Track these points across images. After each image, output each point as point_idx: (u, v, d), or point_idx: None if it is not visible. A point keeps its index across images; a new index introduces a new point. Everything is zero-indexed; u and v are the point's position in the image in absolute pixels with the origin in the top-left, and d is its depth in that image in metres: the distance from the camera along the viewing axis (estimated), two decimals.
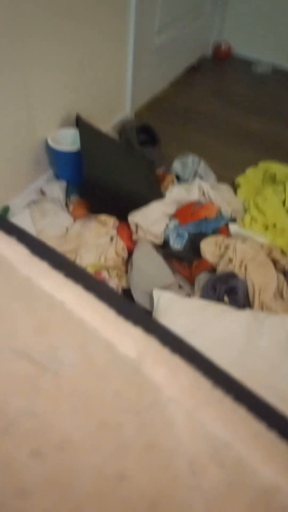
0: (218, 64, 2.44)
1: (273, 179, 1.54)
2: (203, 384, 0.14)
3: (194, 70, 2.32)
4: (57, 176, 1.45)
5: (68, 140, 1.39)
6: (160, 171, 1.54)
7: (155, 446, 0.13)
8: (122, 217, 1.31)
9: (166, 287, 1.15)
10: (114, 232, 1.30)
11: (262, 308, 1.12)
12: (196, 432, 0.13)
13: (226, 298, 1.13)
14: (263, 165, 1.62)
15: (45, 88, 1.25)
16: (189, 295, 1.17)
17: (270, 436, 0.13)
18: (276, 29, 2.31)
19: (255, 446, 0.13)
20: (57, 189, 1.39)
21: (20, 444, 0.12)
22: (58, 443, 0.12)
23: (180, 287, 1.19)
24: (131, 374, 0.13)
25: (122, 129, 1.67)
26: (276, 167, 1.57)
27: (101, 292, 0.15)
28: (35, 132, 1.30)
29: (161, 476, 0.12)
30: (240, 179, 1.57)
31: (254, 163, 1.68)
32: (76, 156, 1.30)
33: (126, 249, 1.26)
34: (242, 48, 2.45)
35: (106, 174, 1.27)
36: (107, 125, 1.66)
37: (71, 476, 0.12)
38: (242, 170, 1.63)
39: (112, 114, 1.70)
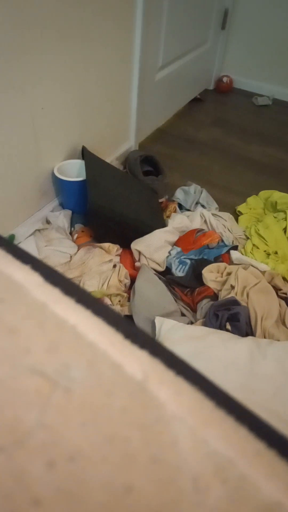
0: (220, 96, 2.51)
1: (274, 207, 1.56)
2: (206, 404, 0.14)
3: (196, 102, 2.39)
4: (63, 206, 1.49)
5: (74, 171, 1.43)
6: (163, 200, 1.57)
7: (160, 460, 0.13)
8: (125, 244, 1.34)
9: (168, 314, 1.16)
10: (117, 259, 1.32)
11: (264, 335, 1.11)
12: (199, 449, 0.13)
13: (228, 326, 1.13)
14: (264, 193, 1.65)
15: (52, 121, 1.30)
16: (191, 322, 1.17)
17: (270, 454, 0.14)
18: (275, 63, 2.39)
19: (257, 463, 0.13)
20: (62, 218, 1.42)
21: (34, 455, 0.12)
22: (69, 454, 0.13)
23: (182, 314, 1.20)
24: (137, 392, 0.14)
25: (126, 160, 1.72)
26: (277, 195, 1.59)
27: (109, 317, 0.16)
28: (42, 163, 1.35)
29: (166, 489, 0.13)
30: (241, 207, 1.59)
31: (256, 188, 1.71)
32: (81, 186, 1.34)
33: (128, 276, 1.27)
34: (244, 81, 2.54)
35: (110, 203, 1.30)
36: (111, 156, 1.71)
37: (81, 487, 0.12)
38: (244, 196, 1.66)
39: (116, 146, 1.75)
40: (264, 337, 1.11)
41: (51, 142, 1.35)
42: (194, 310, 1.21)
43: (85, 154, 1.39)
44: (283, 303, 1.21)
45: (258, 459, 0.14)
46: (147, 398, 0.14)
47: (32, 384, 0.13)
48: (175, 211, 1.52)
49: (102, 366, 0.15)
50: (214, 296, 1.21)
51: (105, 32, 1.36)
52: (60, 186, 1.42)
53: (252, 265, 1.28)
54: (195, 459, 0.13)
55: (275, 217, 1.49)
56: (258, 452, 0.14)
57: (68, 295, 0.17)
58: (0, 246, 0.19)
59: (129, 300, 1.22)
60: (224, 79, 2.50)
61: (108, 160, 1.56)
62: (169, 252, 1.32)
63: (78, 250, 1.34)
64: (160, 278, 1.25)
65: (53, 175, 1.40)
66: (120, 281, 1.24)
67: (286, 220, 1.47)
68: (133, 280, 1.26)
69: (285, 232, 1.43)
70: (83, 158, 1.40)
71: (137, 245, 1.31)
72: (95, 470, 0.12)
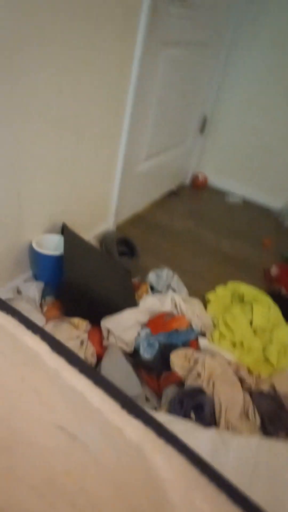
0: (195, 192, 2.71)
1: (241, 298, 1.62)
2: (192, 471, 0.16)
3: (173, 194, 2.57)
4: (36, 277, 1.50)
5: (51, 245, 1.46)
6: (135, 280, 1.61)
7: None
8: (94, 321, 1.33)
9: (131, 397, 1.13)
10: (85, 336, 1.30)
11: (227, 427, 1.09)
12: (188, 508, 0.15)
13: (192, 415, 1.11)
14: (232, 285, 1.72)
15: (37, 195, 1.36)
16: (155, 408, 1.14)
17: None
18: (247, 167, 2.64)
19: None
20: (33, 289, 1.42)
21: (62, 497, 0.14)
22: (89, 498, 0.15)
23: (146, 399, 1.17)
24: (138, 456, 0.16)
25: (104, 239, 1.78)
26: (244, 288, 1.67)
27: (108, 388, 0.18)
28: (21, 235, 1.38)
29: None
30: (210, 296, 1.65)
31: (224, 278, 1.79)
32: (57, 260, 1.36)
33: (95, 354, 1.25)
34: (217, 180, 2.77)
35: (84, 279, 1.32)
36: (90, 234, 1.77)
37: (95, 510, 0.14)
38: (212, 284, 1.73)
39: (95, 225, 1.82)
40: (228, 429, 1.09)
41: (33, 216, 1.39)
42: (159, 396, 1.18)
43: (65, 230, 1.43)
44: (247, 395, 1.21)
45: None
46: (146, 460, 0.16)
47: (59, 438, 0.15)
48: (147, 292, 1.56)
49: (109, 428, 0.16)
50: (180, 383, 1.20)
51: (96, 123, 1.49)
52: (36, 259, 1.43)
53: (219, 354, 1.29)
54: None
55: (242, 309, 1.54)
56: None
57: (72, 364, 0.18)
58: (13, 316, 0.21)
59: None
60: (200, 176, 2.72)
61: (86, 238, 1.61)
62: (138, 333, 1.33)
63: (46, 323, 1.32)
64: (127, 359, 1.24)
65: (30, 247, 1.43)
66: (86, 359, 1.22)
67: (252, 312, 1.53)
68: (99, 358, 1.24)
69: (251, 324, 1.48)
70: (62, 234, 1.44)
71: (107, 322, 1.31)
72: (110, 508, 0.14)
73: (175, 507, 0.15)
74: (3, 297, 1.34)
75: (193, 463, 0.17)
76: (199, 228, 2.26)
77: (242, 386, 1.23)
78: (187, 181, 2.77)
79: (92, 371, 0.19)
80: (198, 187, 2.73)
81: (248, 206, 2.64)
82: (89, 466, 0.15)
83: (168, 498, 0.15)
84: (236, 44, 2.34)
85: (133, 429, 0.17)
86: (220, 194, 2.71)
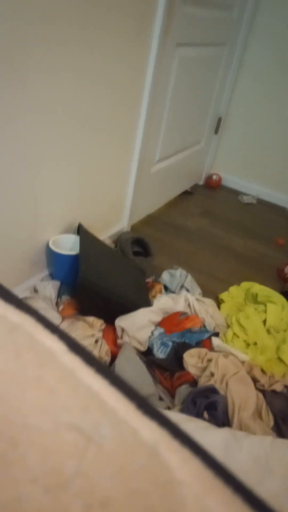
0: (209, 191, 2.71)
1: (254, 298, 1.62)
2: (208, 473, 0.17)
3: (187, 194, 2.57)
4: (52, 276, 1.52)
5: (67, 245, 1.49)
6: (149, 280, 1.63)
7: None
8: (109, 320, 1.35)
9: (146, 397, 1.15)
10: (99, 334, 1.32)
11: (241, 427, 1.10)
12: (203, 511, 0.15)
13: (205, 414, 1.12)
14: (245, 284, 1.73)
15: (54, 196, 1.39)
16: (169, 407, 1.16)
17: None
18: (261, 166, 2.63)
19: None
20: (50, 288, 1.45)
21: (74, 498, 0.15)
22: (102, 500, 0.15)
23: (160, 398, 1.18)
24: (153, 455, 0.17)
25: (118, 239, 1.80)
26: (258, 288, 1.67)
27: (123, 388, 0.19)
28: (37, 235, 1.40)
29: None
30: (223, 295, 1.65)
31: (238, 278, 1.79)
32: (73, 260, 1.38)
33: (109, 353, 1.27)
34: (231, 180, 2.76)
35: (99, 278, 1.34)
36: (105, 234, 1.79)
37: None
38: (226, 284, 1.73)
39: (110, 225, 1.84)
40: (241, 429, 1.10)
41: (50, 217, 1.42)
42: (172, 395, 1.20)
43: (80, 230, 1.46)
44: (260, 395, 1.22)
45: None
46: (160, 461, 0.17)
47: (71, 438, 0.16)
48: (160, 292, 1.57)
49: (123, 428, 0.17)
50: (193, 382, 1.21)
51: (111, 125, 1.51)
52: (53, 258, 1.46)
53: (232, 354, 1.30)
54: None
55: (255, 309, 1.54)
56: None
57: (88, 364, 0.20)
58: (31, 315, 0.22)
59: None
60: (214, 177, 2.72)
61: (101, 238, 1.64)
62: (152, 332, 1.34)
63: (62, 322, 1.34)
64: (141, 358, 1.25)
65: (47, 246, 1.45)
66: (100, 357, 1.24)
67: (265, 312, 1.53)
68: (113, 357, 1.26)
69: (264, 324, 1.48)
70: (78, 234, 1.46)
71: (121, 322, 1.33)
72: (123, 508, 0.15)
73: (189, 510, 0.16)
74: (20, 296, 1.37)
75: (209, 465, 0.18)
76: (213, 228, 2.26)
77: (255, 386, 1.23)
78: (201, 181, 2.77)
79: (108, 371, 0.20)
80: (212, 187, 2.73)
81: (262, 205, 2.63)
82: (103, 467, 0.16)
83: (182, 500, 0.16)
84: (250, 44, 2.33)
85: (148, 429, 0.18)
86: (234, 194, 2.70)
